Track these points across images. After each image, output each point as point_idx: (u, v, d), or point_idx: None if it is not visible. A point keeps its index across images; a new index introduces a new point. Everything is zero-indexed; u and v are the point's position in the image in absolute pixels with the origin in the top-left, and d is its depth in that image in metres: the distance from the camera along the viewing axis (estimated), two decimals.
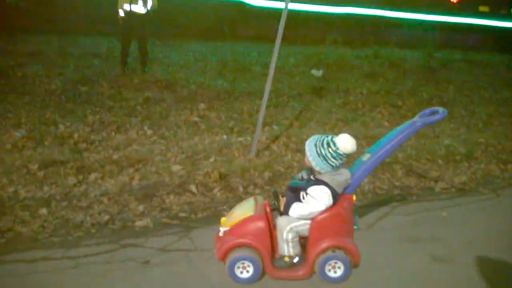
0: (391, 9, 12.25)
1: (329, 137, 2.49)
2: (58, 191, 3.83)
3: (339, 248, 2.48)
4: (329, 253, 2.47)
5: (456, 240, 3.15)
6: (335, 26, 11.38)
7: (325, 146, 2.45)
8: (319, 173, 2.50)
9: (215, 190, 4.09)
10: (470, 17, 13.45)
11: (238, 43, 10.14)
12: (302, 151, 4.41)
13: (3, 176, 3.98)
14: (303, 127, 6.10)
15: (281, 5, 4.76)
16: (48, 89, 6.36)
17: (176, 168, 4.42)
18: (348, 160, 2.61)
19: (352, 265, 2.54)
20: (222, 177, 4.27)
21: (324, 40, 10.27)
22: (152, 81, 7.09)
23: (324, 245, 2.45)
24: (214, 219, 3.46)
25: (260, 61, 8.83)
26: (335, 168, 2.48)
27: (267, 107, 5.17)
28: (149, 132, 5.44)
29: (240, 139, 5.43)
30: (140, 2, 7.04)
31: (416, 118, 2.64)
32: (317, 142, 2.49)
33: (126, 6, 7.02)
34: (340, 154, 2.45)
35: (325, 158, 2.44)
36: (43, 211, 3.46)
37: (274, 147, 5.27)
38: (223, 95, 6.91)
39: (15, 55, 7.49)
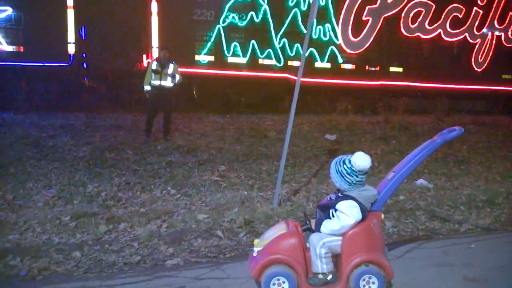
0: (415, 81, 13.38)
1: (348, 156, 2.68)
2: (90, 237, 3.96)
3: (372, 262, 2.52)
4: (362, 267, 2.50)
5: (487, 265, 3.14)
6: (345, 95, 12.16)
7: (341, 163, 2.64)
8: (346, 191, 2.64)
9: (241, 235, 4.16)
10: (494, 85, 14.41)
11: (253, 114, 10.68)
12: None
13: (37, 227, 4.14)
14: (321, 183, 6.22)
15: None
16: (77, 156, 6.72)
17: (201, 216, 4.53)
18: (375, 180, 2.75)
19: (385, 280, 2.55)
20: (247, 223, 4.36)
21: (335, 108, 10.77)
22: (174, 147, 7.44)
23: (357, 259, 2.50)
24: (243, 258, 3.50)
25: (275, 128, 9.23)
26: (353, 185, 2.62)
27: (285, 167, 5.36)
28: (173, 191, 5.61)
29: (260, 193, 5.57)
30: (169, 78, 7.72)
31: (435, 137, 2.82)
32: (337, 161, 2.67)
33: (156, 82, 7.68)
34: (354, 171, 2.60)
35: (341, 174, 2.61)
36: (77, 253, 3.57)
37: (294, 199, 5.38)
38: (241, 158, 7.17)
39: (47, 128, 8.02)
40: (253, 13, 11.72)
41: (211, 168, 6.56)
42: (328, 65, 12.56)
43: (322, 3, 12.11)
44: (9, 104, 9.70)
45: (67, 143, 7.31)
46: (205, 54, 11.64)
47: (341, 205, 2.57)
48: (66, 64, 10.68)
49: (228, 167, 6.69)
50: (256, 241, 2.73)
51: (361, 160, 2.59)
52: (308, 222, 2.72)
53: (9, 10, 10.34)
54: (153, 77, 7.67)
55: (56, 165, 6.27)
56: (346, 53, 12.81)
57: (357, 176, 2.61)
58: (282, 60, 12.09)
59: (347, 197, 2.59)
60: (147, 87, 7.74)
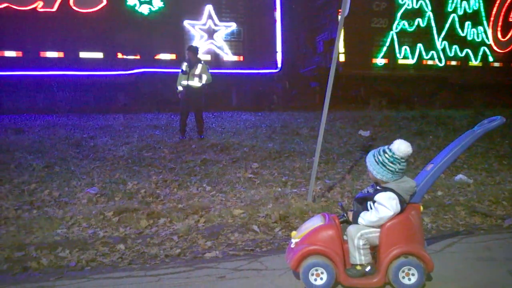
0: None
1: (385, 146, 2.68)
2: (132, 231, 4.13)
3: (411, 254, 2.51)
4: (401, 259, 2.50)
5: None
6: (379, 90, 12.54)
7: (382, 153, 2.64)
8: (384, 183, 2.63)
9: (276, 229, 4.22)
10: None
11: (285, 112, 10.71)
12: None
13: (83, 222, 4.36)
14: (356, 180, 6.18)
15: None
16: (116, 155, 6.97)
17: (237, 212, 4.62)
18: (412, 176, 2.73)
19: (425, 272, 2.53)
20: (282, 218, 4.41)
21: (368, 104, 10.66)
22: (208, 146, 7.58)
23: (396, 251, 2.50)
24: (280, 251, 3.56)
25: (307, 125, 9.22)
26: (395, 173, 2.60)
27: (318, 163, 5.36)
28: (208, 188, 5.73)
29: (294, 190, 5.60)
30: (196, 79, 7.85)
31: (475, 127, 2.77)
32: (375, 153, 2.67)
33: (184, 82, 7.84)
34: (397, 159, 2.59)
35: (383, 164, 2.60)
36: (121, 246, 3.74)
37: (329, 195, 5.38)
38: (274, 155, 7.22)
39: (87, 129, 8.34)
40: (419, 19, 13.53)
41: (245, 165, 6.64)
42: (480, 64, 14.28)
43: (476, 8, 14.14)
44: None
45: (106, 143, 7.58)
46: (381, 57, 13.40)
47: (380, 197, 2.57)
48: (275, 71, 12.52)
49: (261, 164, 6.76)
50: (293, 233, 2.78)
51: (403, 146, 2.59)
52: (345, 214, 2.73)
53: (233, 26, 12.17)
54: (182, 78, 7.85)
55: (97, 164, 6.54)
56: (495, 52, 14.51)
57: (399, 164, 2.60)
58: (443, 60, 13.81)
59: (386, 189, 2.59)
60: (179, 88, 7.91)
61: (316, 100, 13.74)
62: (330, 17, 13.33)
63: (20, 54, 10.77)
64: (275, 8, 12.57)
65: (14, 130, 8.24)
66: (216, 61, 11.99)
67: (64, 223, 4.31)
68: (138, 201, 5.07)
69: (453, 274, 2.81)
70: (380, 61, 13.37)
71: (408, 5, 13.40)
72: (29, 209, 4.71)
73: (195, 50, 8.07)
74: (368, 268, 2.58)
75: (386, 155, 2.60)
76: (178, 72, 8.01)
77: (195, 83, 7.86)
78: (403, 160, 2.60)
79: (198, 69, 7.85)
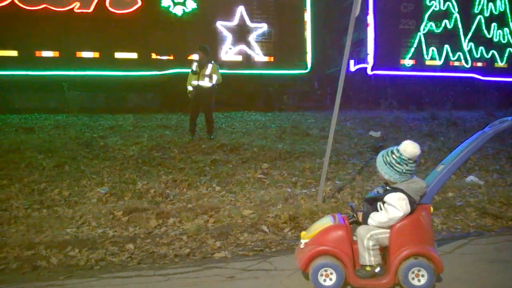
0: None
1: (394, 147, 2.66)
2: (142, 231, 4.15)
3: (421, 255, 2.49)
4: (411, 260, 2.48)
5: None
6: (388, 91, 12.43)
7: (389, 154, 2.63)
8: (393, 183, 2.61)
9: (286, 230, 4.21)
10: None
11: (295, 112, 10.69)
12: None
13: (92, 221, 4.39)
14: (366, 180, 6.15)
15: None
16: (126, 155, 6.99)
17: (247, 212, 4.62)
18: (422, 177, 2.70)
19: (435, 273, 2.51)
20: (291, 218, 4.40)
21: (379, 105, 10.61)
22: (218, 146, 7.58)
23: (406, 252, 2.48)
24: (289, 252, 3.55)
25: (318, 126, 9.19)
26: (403, 174, 2.58)
27: (328, 164, 5.33)
28: (218, 188, 5.73)
29: (304, 190, 5.58)
30: (206, 79, 7.86)
31: (486, 128, 2.74)
32: (384, 153, 2.66)
33: (194, 82, 7.86)
34: (404, 159, 2.57)
35: (390, 164, 2.59)
36: (130, 246, 3.76)
37: (339, 196, 5.35)
38: (284, 156, 7.20)
39: (97, 129, 8.41)
40: (446, 20, 13.75)
41: (254, 166, 6.63)
42: (506, 65, 14.43)
43: (502, 9, 14.32)
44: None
45: (116, 143, 7.63)
46: (409, 58, 13.62)
47: (389, 198, 2.56)
48: (305, 72, 12.67)
49: (271, 165, 6.74)
50: (303, 233, 2.77)
51: (410, 147, 2.57)
52: (355, 215, 2.72)
53: (264, 27, 12.28)
54: (192, 78, 7.87)
55: (107, 164, 6.57)
56: None
57: (406, 165, 2.58)
58: (470, 61, 13.98)
59: (396, 190, 2.57)
60: (189, 88, 7.94)
61: (326, 102, 13.83)
62: (357, 19, 13.41)
63: (57, 54, 10.94)
64: (306, 9, 12.65)
65: (24, 130, 8.34)
66: (247, 61, 12.12)
67: (74, 222, 4.34)
68: (148, 200, 5.10)
69: (463, 276, 2.78)
70: (408, 62, 13.65)
71: (436, 6, 13.63)
72: (39, 208, 4.76)
73: (205, 50, 8.08)
74: (377, 269, 2.56)
75: (394, 156, 2.59)
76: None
77: (205, 83, 7.87)
78: (411, 161, 2.58)
79: (208, 69, 7.86)
